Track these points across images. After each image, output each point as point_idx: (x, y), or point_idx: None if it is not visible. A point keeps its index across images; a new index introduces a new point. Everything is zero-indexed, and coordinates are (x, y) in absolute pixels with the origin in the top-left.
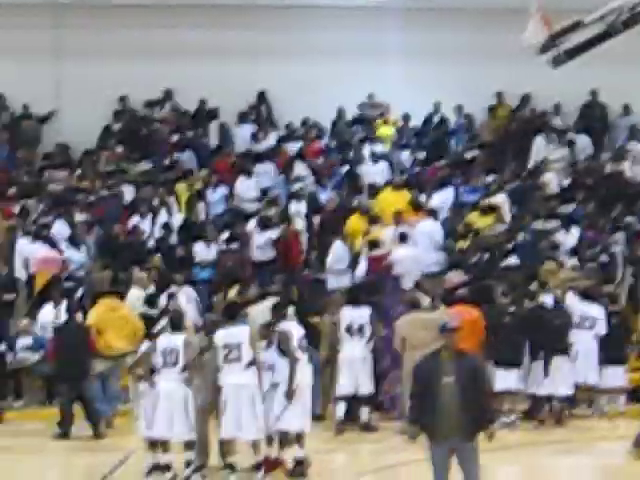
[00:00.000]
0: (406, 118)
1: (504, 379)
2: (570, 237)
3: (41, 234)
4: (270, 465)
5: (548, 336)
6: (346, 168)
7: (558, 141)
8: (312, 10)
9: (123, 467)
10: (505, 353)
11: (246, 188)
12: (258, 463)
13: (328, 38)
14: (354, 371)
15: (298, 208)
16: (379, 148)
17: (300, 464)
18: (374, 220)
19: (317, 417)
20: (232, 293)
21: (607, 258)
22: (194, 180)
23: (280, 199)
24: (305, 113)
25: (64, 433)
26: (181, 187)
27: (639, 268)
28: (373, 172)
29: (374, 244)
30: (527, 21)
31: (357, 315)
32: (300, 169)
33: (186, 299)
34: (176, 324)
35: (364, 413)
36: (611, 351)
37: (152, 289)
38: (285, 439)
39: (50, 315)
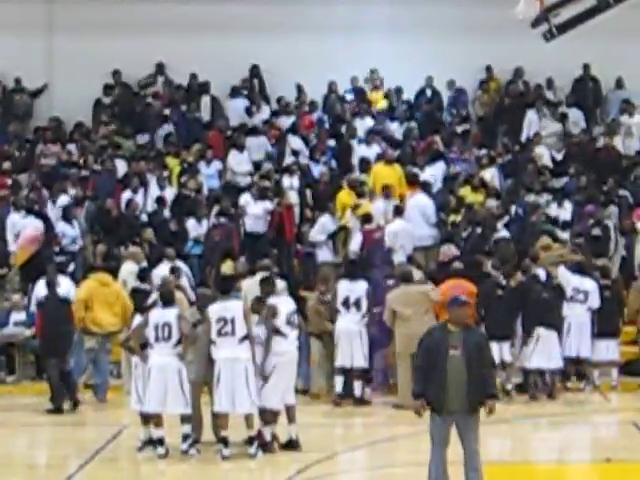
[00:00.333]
0: (398, 91)
1: (497, 352)
2: (563, 211)
3: (33, 209)
4: (264, 439)
5: (537, 309)
6: (338, 142)
7: (550, 115)
8: None
9: (116, 442)
10: (498, 326)
11: (238, 162)
12: (251, 437)
13: (319, 13)
14: (350, 344)
15: (291, 182)
16: (370, 123)
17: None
18: (362, 194)
19: (304, 391)
20: (224, 267)
21: (600, 231)
22: (187, 155)
23: (273, 173)
24: (295, 88)
25: (57, 408)
26: (173, 161)
27: (631, 240)
28: (367, 149)
29: (367, 218)
30: None
31: (353, 289)
32: (295, 143)
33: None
34: (167, 298)
35: (357, 387)
36: (604, 324)
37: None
38: (264, 415)
39: (44, 290)
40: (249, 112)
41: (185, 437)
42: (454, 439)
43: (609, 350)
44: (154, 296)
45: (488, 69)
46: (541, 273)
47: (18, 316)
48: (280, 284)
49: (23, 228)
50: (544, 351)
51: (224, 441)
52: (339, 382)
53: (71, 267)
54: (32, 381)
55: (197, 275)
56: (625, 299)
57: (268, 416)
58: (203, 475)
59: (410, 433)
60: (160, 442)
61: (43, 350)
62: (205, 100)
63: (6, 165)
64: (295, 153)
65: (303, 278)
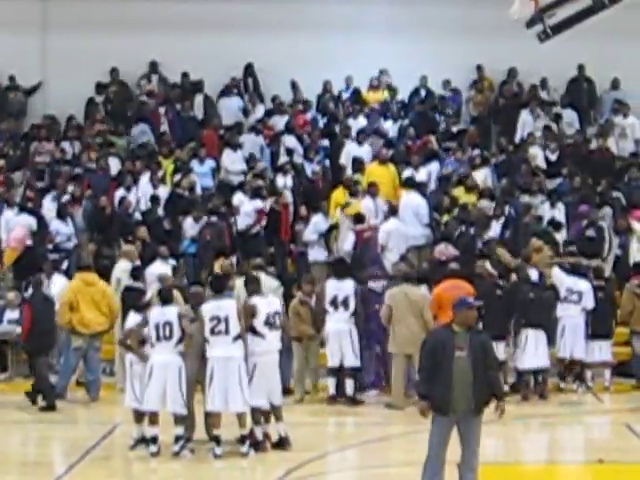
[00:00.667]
0: (392, 90)
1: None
2: (556, 211)
3: (26, 206)
4: (255, 438)
5: (524, 310)
6: (332, 142)
7: (545, 115)
8: None
9: (108, 440)
10: (495, 326)
11: (232, 161)
12: (243, 436)
13: (314, 11)
14: (339, 343)
15: (284, 181)
16: (364, 122)
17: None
18: (355, 193)
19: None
20: (217, 266)
21: (594, 233)
22: (180, 153)
23: (267, 172)
24: (290, 87)
25: (50, 406)
26: (166, 160)
27: (626, 240)
28: (358, 148)
29: (358, 218)
30: None
31: (341, 287)
32: (290, 142)
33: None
34: (167, 297)
35: (349, 386)
36: (597, 326)
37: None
38: (254, 415)
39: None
40: (245, 111)
41: (177, 438)
42: (452, 439)
43: (602, 351)
44: (150, 294)
45: (479, 68)
46: (533, 274)
47: (12, 314)
48: (273, 283)
49: (16, 225)
50: (532, 351)
51: (216, 440)
52: (331, 383)
53: (65, 265)
54: (25, 379)
55: (193, 274)
56: (618, 300)
57: (256, 415)
58: (195, 474)
59: (403, 433)
60: (154, 440)
61: (28, 348)
62: (199, 99)
63: (0, 162)
64: (290, 152)
65: (297, 278)
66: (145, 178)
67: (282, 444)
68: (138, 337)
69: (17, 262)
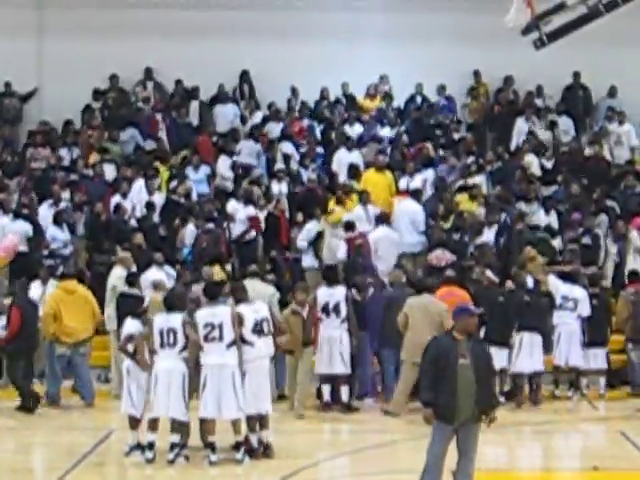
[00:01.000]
0: (388, 97)
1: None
2: (551, 219)
3: (21, 212)
4: (250, 445)
5: (519, 314)
6: (327, 148)
7: (540, 123)
8: None
9: (103, 446)
10: (497, 332)
11: (228, 167)
12: (238, 443)
13: (309, 18)
14: (330, 350)
15: (279, 188)
16: (359, 129)
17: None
18: (342, 201)
19: (283, 397)
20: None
21: (590, 240)
22: (175, 160)
23: (263, 179)
24: (286, 93)
25: (24, 407)
26: (161, 167)
27: (623, 246)
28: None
29: (348, 226)
30: (510, 2)
31: (332, 294)
32: (287, 148)
33: (167, 279)
34: (171, 304)
35: (344, 393)
36: (592, 333)
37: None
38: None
39: (38, 293)
40: (242, 118)
41: (173, 446)
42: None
43: (597, 358)
44: (148, 301)
45: (476, 74)
46: (529, 281)
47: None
48: (269, 290)
49: (11, 232)
50: (527, 355)
51: (211, 446)
52: (325, 390)
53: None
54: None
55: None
56: (613, 307)
57: (251, 422)
58: None
59: (399, 440)
60: (150, 446)
61: (11, 353)
62: (194, 105)
63: None
64: (287, 159)
65: (292, 284)
66: (138, 184)
67: (265, 452)
68: (144, 345)
69: (13, 268)
